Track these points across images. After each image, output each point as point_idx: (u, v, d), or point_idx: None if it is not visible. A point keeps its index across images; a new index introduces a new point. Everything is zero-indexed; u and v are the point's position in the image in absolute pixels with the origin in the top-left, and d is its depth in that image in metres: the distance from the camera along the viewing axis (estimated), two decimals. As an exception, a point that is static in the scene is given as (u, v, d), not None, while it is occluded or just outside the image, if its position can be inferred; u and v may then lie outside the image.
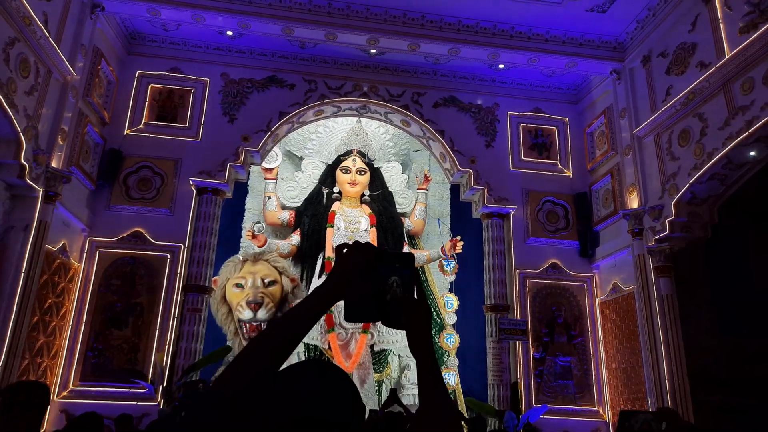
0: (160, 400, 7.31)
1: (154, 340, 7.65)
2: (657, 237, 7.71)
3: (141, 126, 8.67)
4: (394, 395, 5.37)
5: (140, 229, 8.15)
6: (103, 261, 7.91)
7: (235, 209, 10.56)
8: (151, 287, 7.87)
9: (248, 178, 10.13)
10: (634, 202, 8.32)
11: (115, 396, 7.26)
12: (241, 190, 10.60)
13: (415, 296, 1.24)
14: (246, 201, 10.89)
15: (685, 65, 7.42)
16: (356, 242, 1.27)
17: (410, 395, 9.23)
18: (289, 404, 0.93)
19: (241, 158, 8.74)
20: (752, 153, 6.50)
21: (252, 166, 9.94)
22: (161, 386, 7.35)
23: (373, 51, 9.26)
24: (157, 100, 8.86)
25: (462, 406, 9.18)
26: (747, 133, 6.18)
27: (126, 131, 8.59)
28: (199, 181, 8.52)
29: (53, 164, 6.81)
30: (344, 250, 1.30)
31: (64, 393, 7.26)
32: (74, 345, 7.47)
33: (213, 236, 8.49)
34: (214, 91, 9.09)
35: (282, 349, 1.11)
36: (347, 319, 1.27)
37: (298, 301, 1.35)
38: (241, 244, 10.33)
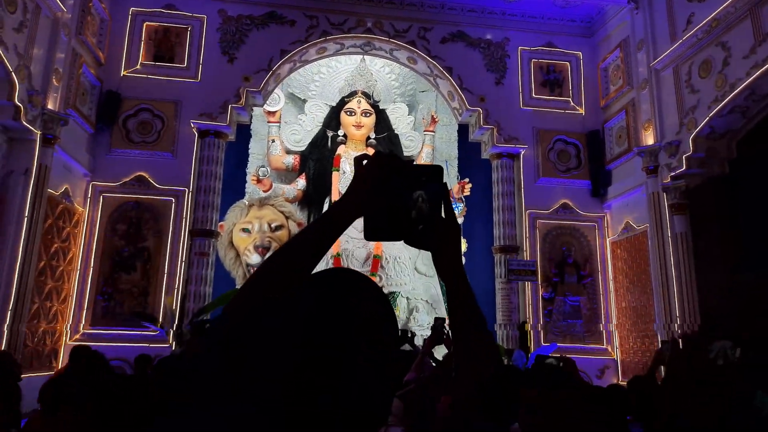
0: (172, 342, 7.37)
1: (163, 284, 7.64)
2: (672, 174, 7.49)
3: (138, 66, 8.36)
4: (404, 336, 5.34)
5: (143, 174, 8.00)
6: (108, 206, 7.82)
7: (239, 154, 10.36)
8: (157, 232, 7.80)
9: (251, 122, 9.88)
10: (649, 139, 8.05)
11: (126, 339, 7.32)
12: (245, 133, 10.38)
13: (443, 214, 1.10)
14: (250, 145, 10.69)
15: (710, -10, 6.98)
16: (377, 152, 1.12)
17: (419, 336, 9.29)
18: (290, 330, 0.79)
19: (243, 99, 8.46)
20: (778, 83, 6.18)
21: (255, 108, 9.67)
22: (172, 329, 7.39)
23: (377, -18, 8.79)
24: (153, 40, 8.50)
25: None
26: (774, 61, 5.84)
27: (123, 72, 8.29)
28: (201, 123, 8.29)
29: (49, 106, 6.59)
30: (364, 162, 1.16)
31: (76, 336, 7.32)
32: (83, 289, 7.47)
33: (217, 180, 8.34)
34: (212, 29, 8.71)
35: (287, 277, 0.95)
36: (367, 237, 1.14)
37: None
38: (246, 189, 10.19)
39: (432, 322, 9.13)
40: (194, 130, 8.29)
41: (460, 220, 10.23)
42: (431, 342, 4.78)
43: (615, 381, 8.41)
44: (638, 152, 8.03)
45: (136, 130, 8.09)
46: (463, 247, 10.26)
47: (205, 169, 8.21)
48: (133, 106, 8.13)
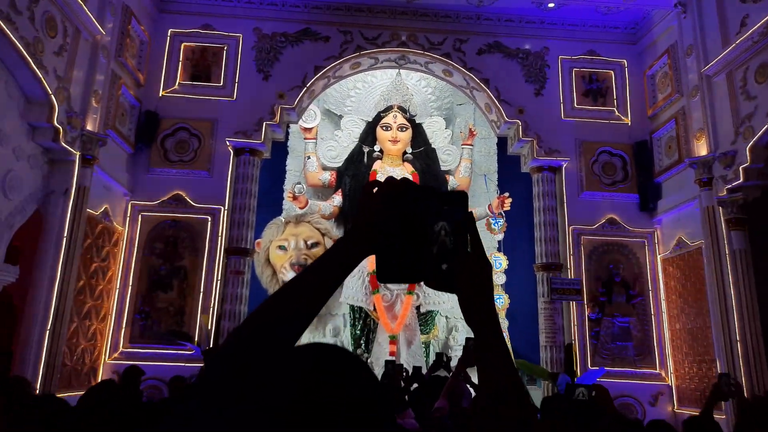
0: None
1: (199, 303, 7.63)
2: (729, 186, 6.99)
3: (176, 87, 8.47)
4: (440, 360, 5.07)
5: (180, 192, 8.05)
6: (146, 225, 7.89)
7: (275, 171, 10.39)
8: (193, 250, 7.81)
9: (286, 138, 9.89)
10: (702, 149, 7.57)
11: (163, 358, 7.32)
12: (281, 150, 10.41)
13: (470, 249, 0.94)
14: (286, 162, 10.71)
15: (767, -11, 6.53)
16: (389, 177, 0.96)
17: (457, 356, 8.98)
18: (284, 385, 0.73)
19: (277, 116, 8.45)
20: None
21: (291, 126, 9.68)
22: (208, 348, 7.35)
23: (411, -5, 8.67)
24: (191, 59, 8.62)
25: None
26: (843, 63, 5.36)
27: (161, 92, 8.42)
28: (236, 141, 8.31)
29: (88, 127, 6.70)
30: (374, 190, 0.98)
31: (115, 355, 7.37)
32: (122, 308, 7.54)
33: (252, 198, 8.32)
34: (248, 48, 8.76)
35: (285, 324, 0.87)
36: (380, 279, 0.98)
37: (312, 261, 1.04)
38: (283, 206, 10.19)
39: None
40: (229, 148, 8.32)
41: (500, 236, 9.91)
42: (462, 363, 4.50)
43: (670, 408, 7.89)
44: (690, 163, 7.55)
45: (173, 149, 8.18)
46: (504, 263, 9.93)
47: (241, 187, 8.21)
48: (171, 126, 8.23)
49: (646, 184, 8.59)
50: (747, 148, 6.78)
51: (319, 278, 0.91)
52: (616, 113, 9.07)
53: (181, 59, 8.57)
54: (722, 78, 7.39)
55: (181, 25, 8.74)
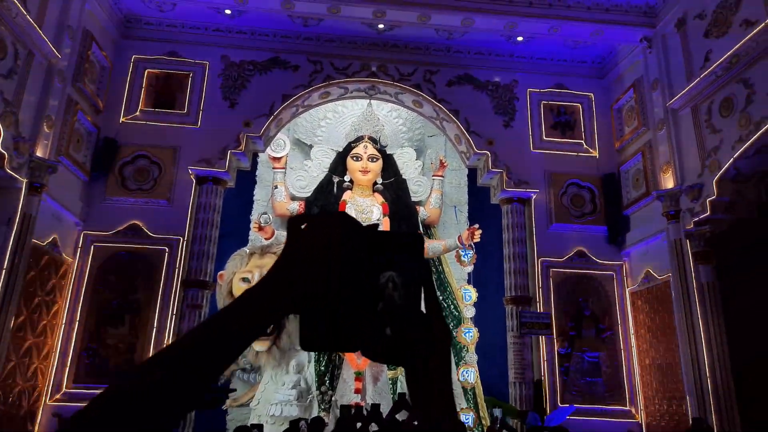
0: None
1: (152, 339, 7.23)
2: (696, 219, 6.97)
3: (137, 113, 8.24)
4: (402, 401, 4.80)
5: (137, 222, 7.74)
6: (99, 256, 7.53)
7: (243, 201, 10.12)
8: (148, 283, 7.45)
9: (254, 168, 9.66)
10: (669, 182, 7.57)
11: (111, 398, 6.85)
12: (249, 180, 10.18)
13: (424, 307, 0.77)
14: (254, 191, 10.45)
15: (727, 25, 6.63)
16: (322, 212, 0.73)
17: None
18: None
19: (243, 145, 8.26)
20: (807, 121, 5.72)
21: (259, 155, 9.48)
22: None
23: (381, 26, 8.65)
24: (154, 86, 8.42)
25: (481, 405, 8.61)
26: (802, 98, 5.41)
27: (121, 119, 8.17)
28: (199, 169, 8.06)
29: (38, 153, 6.40)
30: (303, 226, 0.79)
31: (57, 396, 6.91)
32: (67, 345, 7.10)
33: (214, 228, 8.03)
34: (214, 75, 8.62)
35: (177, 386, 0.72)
36: (302, 345, 0.79)
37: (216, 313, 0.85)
38: (249, 237, 9.88)
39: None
40: (192, 177, 8.06)
41: (470, 268, 9.72)
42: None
43: (642, 447, 7.66)
44: (657, 196, 7.55)
45: (132, 177, 7.88)
46: (474, 296, 9.72)
47: (202, 217, 7.92)
48: (131, 153, 7.97)
49: (614, 217, 8.56)
50: (713, 182, 6.78)
51: (214, 338, 0.71)
52: (585, 146, 9.10)
53: (144, 85, 8.37)
54: (687, 112, 7.46)
55: (146, 51, 8.57)
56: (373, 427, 4.70)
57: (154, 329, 7.29)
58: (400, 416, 4.86)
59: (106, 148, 7.81)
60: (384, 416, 4.85)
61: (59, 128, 6.86)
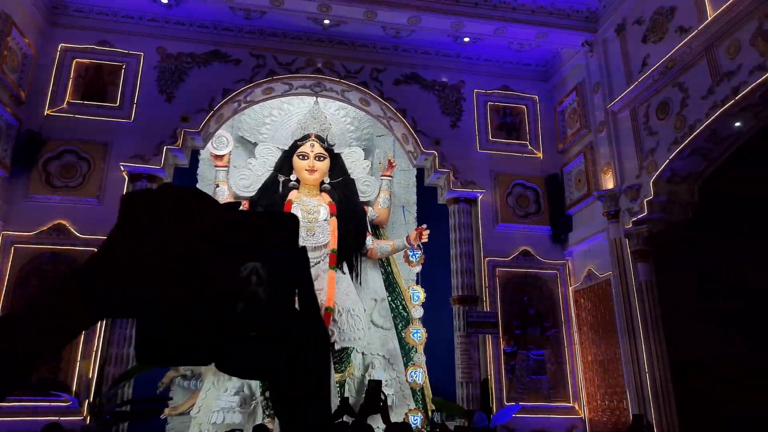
0: (86, 414, 6.44)
1: (79, 347, 6.75)
2: (634, 219, 7.16)
3: (64, 106, 7.70)
4: (345, 405, 4.62)
5: (63, 222, 7.22)
6: (20, 258, 6.97)
7: (183, 200, 9.68)
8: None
9: (193, 165, 9.24)
10: (609, 183, 7.75)
11: (34, 411, 6.36)
12: (190, 178, 9.75)
13: (300, 305, 0.65)
14: (195, 191, 10.04)
15: (663, 31, 6.84)
16: (163, 185, 0.55)
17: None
18: None
19: (180, 141, 7.86)
20: (737, 123, 5.96)
21: (201, 152, 9.08)
22: (88, 398, 6.48)
23: (326, 22, 8.46)
24: (84, 77, 7.89)
25: (430, 406, 8.56)
26: (733, 101, 5.62)
27: (46, 111, 7.61)
28: (132, 166, 7.61)
29: (-54, 146, 5.85)
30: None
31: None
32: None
33: (149, 228, 7.59)
34: (149, 67, 8.17)
35: None
36: (137, 358, 0.72)
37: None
38: (190, 238, 9.46)
39: (384, 381, 8.32)
40: (124, 174, 7.60)
41: (418, 269, 9.65)
42: (365, 409, 4.08)
43: (584, 443, 7.80)
44: (598, 196, 7.71)
45: (58, 173, 7.35)
46: (422, 296, 9.65)
47: (136, 216, 7.47)
48: (56, 148, 7.42)
49: (558, 217, 8.71)
50: (651, 182, 6.98)
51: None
52: (529, 147, 9.22)
53: (72, 76, 7.83)
54: (627, 114, 7.66)
55: (75, 40, 8.03)
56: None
57: (82, 336, 6.80)
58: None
59: (29, 143, 7.25)
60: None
61: (-27, 119, 6.30)
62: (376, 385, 4.26)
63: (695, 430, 6.22)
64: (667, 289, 6.85)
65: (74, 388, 6.52)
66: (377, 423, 5.31)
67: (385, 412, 4.21)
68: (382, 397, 3.71)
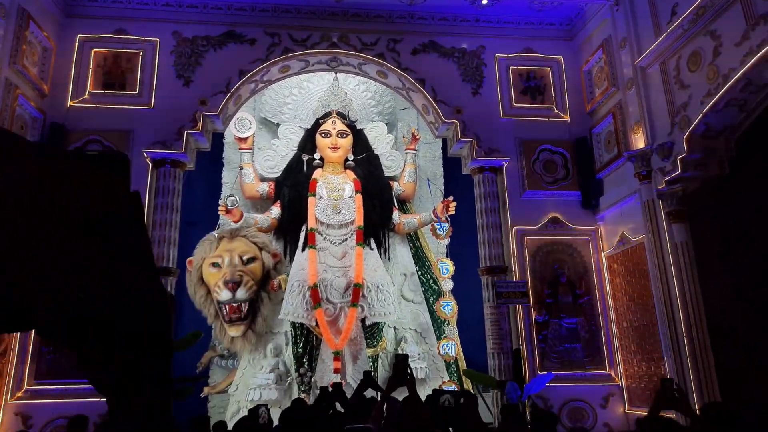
0: (125, 394, 6.66)
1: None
2: (667, 178, 6.83)
3: (86, 96, 7.81)
4: (368, 379, 4.60)
5: (93, 210, 7.39)
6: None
7: (211, 185, 9.80)
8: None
9: (215, 149, 9.30)
10: (639, 142, 7.41)
11: (75, 394, 6.61)
12: (217, 163, 9.85)
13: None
14: (222, 174, 10.13)
15: (693, -25, 6.41)
16: None
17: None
18: None
19: (200, 124, 7.89)
20: (776, 70, 5.56)
21: (226, 136, 9.14)
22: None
23: (339, -6, 8.29)
24: (102, 66, 7.98)
25: (464, 378, 8.52)
26: (770, 45, 5.23)
27: (69, 103, 7.75)
28: (154, 152, 7.70)
29: (-27, 141, 6.00)
30: None
31: (19, 394, 6.63)
32: (26, 342, 6.79)
33: (175, 212, 7.72)
34: (166, 52, 8.19)
35: None
36: None
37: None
38: (219, 221, 9.58)
39: (417, 354, 8.31)
40: (147, 160, 7.70)
41: (446, 241, 9.53)
42: (392, 382, 4.05)
43: (621, 409, 7.65)
44: (628, 157, 7.39)
45: (84, 163, 7.50)
46: (451, 269, 9.54)
47: (161, 201, 7.59)
48: (80, 138, 7.56)
49: (587, 181, 8.41)
50: (683, 139, 6.63)
51: None
52: (555, 110, 8.89)
53: (91, 66, 7.93)
54: (656, 69, 7.27)
55: (92, 30, 8.11)
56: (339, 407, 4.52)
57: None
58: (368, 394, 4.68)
59: (53, 135, 7.40)
60: (349, 396, 4.67)
61: (-2, 114, 6.46)
62: (403, 359, 4.22)
63: (736, 394, 5.98)
64: (703, 249, 6.56)
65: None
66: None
67: (412, 385, 4.18)
68: (409, 371, 3.67)
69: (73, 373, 6.75)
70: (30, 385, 6.72)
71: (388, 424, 4.12)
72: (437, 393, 4.08)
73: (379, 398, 4.50)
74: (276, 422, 4.73)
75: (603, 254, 8.26)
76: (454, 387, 8.15)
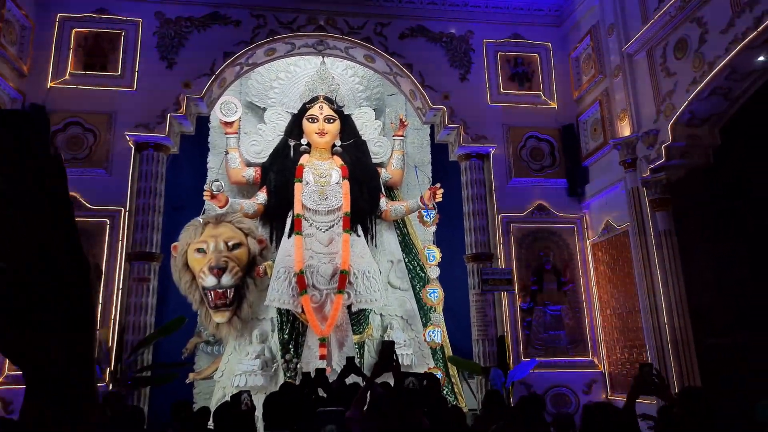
0: (108, 381, 6.61)
1: (98, 315, 6.88)
2: (652, 166, 6.85)
3: (66, 77, 7.65)
4: (351, 365, 4.59)
5: (74, 194, 7.25)
6: (33, 231, 7.06)
7: (196, 170, 9.68)
8: (89, 257, 7.04)
9: (199, 132, 9.17)
10: (625, 130, 7.42)
11: (57, 379, 6.55)
12: (202, 147, 9.72)
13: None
14: (208, 159, 10.00)
15: (681, -38, 6.38)
16: None
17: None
18: None
19: (183, 107, 7.77)
20: (761, 58, 5.56)
21: (212, 120, 9.01)
22: (108, 366, 6.64)
23: (326, -24, 8.16)
24: (83, 47, 7.80)
25: (450, 365, 8.56)
26: (755, 33, 5.23)
27: (49, 84, 7.58)
28: (137, 135, 7.58)
29: (-52, 122, 5.85)
30: None
31: (0, 379, 6.57)
32: (6, 326, 6.70)
33: (159, 197, 7.62)
34: (149, 33, 8.03)
35: None
36: None
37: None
38: (205, 207, 9.47)
39: (403, 341, 8.30)
40: (130, 144, 7.58)
41: (433, 228, 9.52)
42: (378, 368, 4.05)
43: (604, 396, 7.73)
44: (614, 145, 7.40)
45: (65, 146, 7.36)
46: (438, 256, 9.55)
47: (144, 185, 7.49)
48: (61, 120, 7.42)
49: (573, 169, 8.42)
50: (668, 126, 6.64)
51: None
52: (543, 97, 8.87)
53: (72, 46, 7.75)
54: (643, 56, 7.26)
55: (72, 9, 7.92)
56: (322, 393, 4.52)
57: (100, 305, 6.93)
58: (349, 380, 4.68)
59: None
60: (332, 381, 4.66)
61: (-26, 95, 6.31)
62: (389, 345, 4.21)
63: (716, 381, 6.06)
64: (686, 237, 6.60)
65: (95, 356, 6.67)
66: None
67: (397, 371, 4.18)
68: (395, 357, 3.67)
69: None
70: (10, 371, 6.65)
71: (371, 409, 4.13)
72: (400, 376, 4.12)
73: (363, 384, 4.50)
74: (259, 408, 4.73)
75: (588, 242, 8.30)
76: (439, 373, 8.19)
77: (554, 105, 8.82)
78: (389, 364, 4.24)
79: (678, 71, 6.51)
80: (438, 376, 7.78)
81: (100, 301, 6.95)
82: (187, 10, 8.18)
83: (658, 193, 6.82)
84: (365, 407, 4.08)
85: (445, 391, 8.22)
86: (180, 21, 8.12)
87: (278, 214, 9.17)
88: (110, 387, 6.59)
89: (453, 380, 8.75)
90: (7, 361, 6.67)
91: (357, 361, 8.32)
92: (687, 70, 6.32)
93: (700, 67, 6.08)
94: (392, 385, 4.11)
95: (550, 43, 9.07)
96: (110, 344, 6.76)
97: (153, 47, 7.98)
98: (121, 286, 7.08)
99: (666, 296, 6.62)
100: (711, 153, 6.68)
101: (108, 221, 7.22)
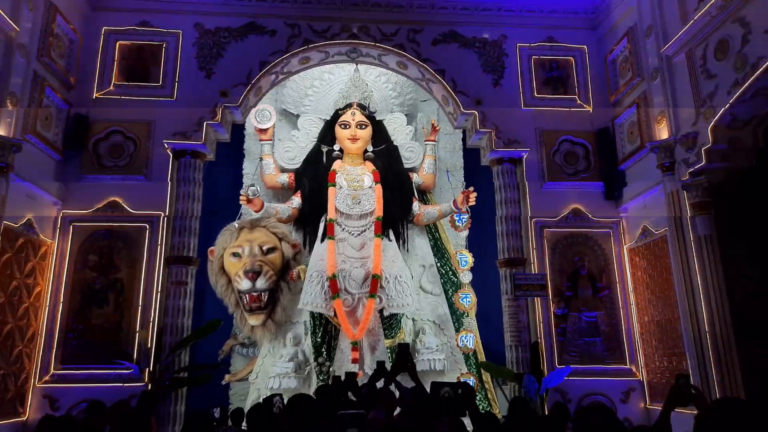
0: (147, 381, 6.82)
1: (137, 318, 7.11)
2: (691, 170, 6.66)
3: (111, 88, 7.95)
4: (381, 369, 4.59)
5: (116, 199, 7.54)
6: (78, 235, 7.35)
7: (232, 176, 9.92)
8: (130, 261, 7.29)
9: (234, 140, 9.38)
10: (663, 133, 7.24)
11: (100, 378, 6.80)
12: (239, 154, 9.95)
13: None
14: (243, 165, 10.23)
15: (721, -40, 6.20)
16: None
17: (425, 360, 8.52)
18: None
19: (218, 116, 7.97)
20: (807, 57, 5.35)
21: (247, 128, 9.21)
22: (148, 366, 6.84)
23: (359, -16, 8.26)
24: (127, 59, 8.11)
25: (483, 370, 8.49)
26: (801, 31, 5.03)
27: (95, 94, 7.90)
28: (175, 143, 7.81)
29: (1, 132, 6.17)
30: None
31: (46, 378, 6.84)
32: (53, 326, 6.99)
33: (196, 202, 7.84)
34: (188, 44, 8.28)
35: None
36: None
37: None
38: (241, 212, 9.68)
39: (435, 346, 8.28)
40: (168, 151, 7.82)
41: (465, 233, 9.47)
42: (394, 369, 4.08)
43: (642, 404, 7.54)
44: (651, 148, 7.22)
45: (107, 153, 7.66)
46: (470, 261, 9.49)
47: (183, 191, 7.71)
48: (103, 129, 7.72)
49: (610, 172, 8.26)
50: (708, 129, 6.45)
51: None
52: (578, 101, 8.74)
53: (116, 58, 8.06)
54: (682, 58, 7.07)
55: (116, 22, 8.23)
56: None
57: (140, 307, 7.16)
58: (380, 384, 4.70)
59: (76, 126, 7.56)
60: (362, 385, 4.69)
61: (25, 106, 6.61)
62: (405, 347, 4.24)
63: (762, 392, 5.83)
64: (728, 243, 6.38)
65: (135, 357, 6.89)
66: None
67: (413, 372, 4.19)
68: (410, 358, 3.71)
69: (97, 358, 6.94)
70: (56, 370, 6.92)
71: (400, 411, 4.15)
72: (437, 385, 4.16)
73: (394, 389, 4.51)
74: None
75: (624, 247, 8.12)
76: (472, 379, 8.12)
77: (589, 108, 8.68)
78: (405, 364, 4.26)
79: (719, 73, 6.32)
80: (471, 384, 7.72)
81: (140, 304, 7.19)
82: (225, 21, 8.41)
83: (698, 197, 6.62)
84: (395, 412, 4.11)
85: (478, 398, 8.16)
86: (219, 32, 8.35)
87: (311, 219, 9.29)
88: (149, 387, 6.79)
89: (486, 386, 8.67)
90: (54, 360, 6.96)
91: (388, 365, 8.36)
92: (729, 71, 6.13)
93: (743, 68, 5.89)
94: (428, 391, 4.12)
95: (585, 47, 8.94)
96: (149, 345, 6.97)
97: (192, 57, 8.22)
98: (159, 289, 7.30)
99: (707, 303, 6.42)
100: (753, 154, 6.45)
101: (147, 226, 7.46)
